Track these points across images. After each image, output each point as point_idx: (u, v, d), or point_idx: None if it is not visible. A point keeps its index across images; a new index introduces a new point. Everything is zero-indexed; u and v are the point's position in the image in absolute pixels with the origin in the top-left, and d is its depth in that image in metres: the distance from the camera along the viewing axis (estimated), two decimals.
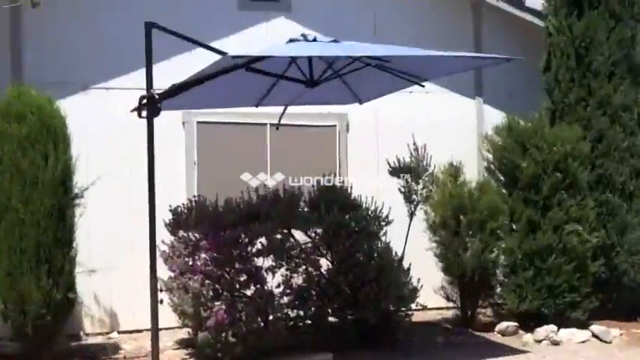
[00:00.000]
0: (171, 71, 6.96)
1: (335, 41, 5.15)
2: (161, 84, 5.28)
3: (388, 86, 6.07)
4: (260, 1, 7.69)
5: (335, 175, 6.88)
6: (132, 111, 5.51)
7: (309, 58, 5.17)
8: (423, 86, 6.24)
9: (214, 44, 6.26)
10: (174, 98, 5.25)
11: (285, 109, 6.45)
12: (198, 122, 7.35)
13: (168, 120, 7.07)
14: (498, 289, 7.25)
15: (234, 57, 4.36)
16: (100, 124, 7.10)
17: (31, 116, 5.75)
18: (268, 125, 7.42)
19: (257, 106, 6.31)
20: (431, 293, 7.24)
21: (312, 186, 6.65)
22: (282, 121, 7.06)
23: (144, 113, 4.93)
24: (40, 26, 6.95)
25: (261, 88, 5.92)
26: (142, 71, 4.95)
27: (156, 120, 5.03)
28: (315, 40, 4.98)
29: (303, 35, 5.13)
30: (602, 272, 7.15)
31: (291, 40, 5.14)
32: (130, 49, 6.99)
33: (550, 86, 7.54)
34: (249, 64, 4.80)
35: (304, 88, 5.61)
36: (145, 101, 4.82)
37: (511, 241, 6.99)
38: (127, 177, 7.09)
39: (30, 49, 6.93)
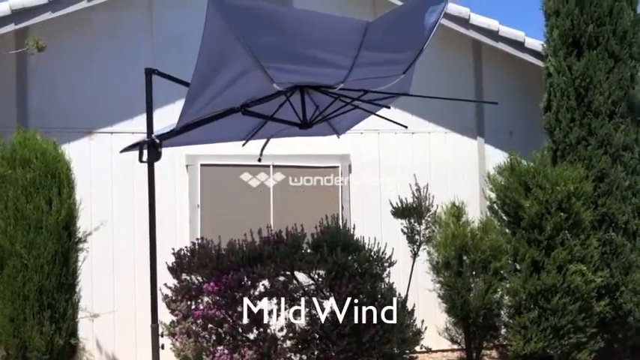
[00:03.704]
0: (175, 114, 7.08)
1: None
2: (165, 126, 5.33)
3: (360, 116, 6.06)
4: None
5: (337, 216, 6.89)
6: (121, 152, 5.55)
7: (302, 101, 5.16)
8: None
9: None
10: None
11: (267, 141, 6.43)
12: (202, 165, 7.40)
13: (172, 163, 7.15)
14: (503, 330, 7.20)
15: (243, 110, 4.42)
16: (104, 167, 7.17)
17: (35, 161, 5.80)
18: (271, 167, 7.46)
19: (244, 143, 6.29)
20: (435, 335, 7.20)
21: (315, 227, 6.65)
22: (286, 163, 7.13)
23: (144, 157, 4.97)
24: (45, 72, 7.06)
25: (250, 125, 5.93)
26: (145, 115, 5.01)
27: (159, 163, 5.06)
28: None
29: None
30: (607, 312, 7.11)
31: None
32: (133, 93, 7.10)
33: (551, 126, 7.59)
34: (247, 107, 4.84)
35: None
36: (145, 146, 4.84)
37: (515, 282, 6.96)
38: (131, 220, 7.12)
39: (35, 95, 7.04)
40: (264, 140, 6.30)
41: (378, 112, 5.66)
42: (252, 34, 3.92)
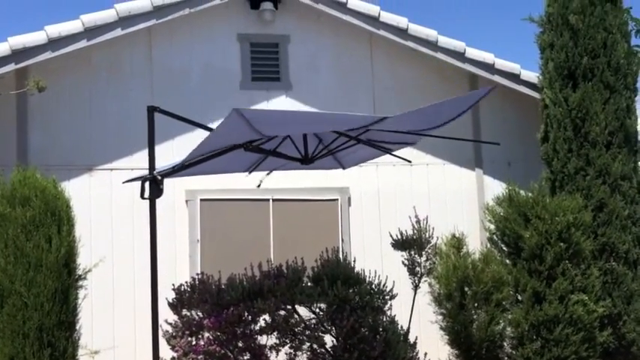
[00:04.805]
0: (173, 150, 7.13)
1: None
2: (165, 162, 5.37)
3: (370, 154, 6.12)
4: (261, 81, 7.88)
5: (338, 249, 6.89)
6: (124, 182, 5.57)
7: (304, 136, 5.24)
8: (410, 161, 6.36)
9: (216, 124, 6.41)
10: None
11: (269, 173, 6.47)
12: (201, 200, 7.42)
13: (172, 198, 7.17)
14: None
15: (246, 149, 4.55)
16: (103, 204, 7.18)
17: (35, 200, 5.79)
18: (271, 201, 7.48)
19: (249, 173, 6.34)
20: None
21: (315, 261, 6.65)
22: (285, 197, 7.13)
23: (146, 194, 4.99)
24: (45, 110, 7.12)
25: (252, 158, 5.98)
26: (145, 152, 5.04)
27: (159, 199, 5.09)
28: None
29: None
30: (610, 342, 7.07)
31: None
32: (133, 130, 7.16)
33: (549, 156, 7.63)
34: (250, 143, 4.89)
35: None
36: (147, 183, 4.86)
37: (517, 313, 6.93)
38: (130, 256, 7.12)
39: (35, 133, 7.09)
40: (265, 172, 6.35)
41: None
42: (264, 127, 4.38)
